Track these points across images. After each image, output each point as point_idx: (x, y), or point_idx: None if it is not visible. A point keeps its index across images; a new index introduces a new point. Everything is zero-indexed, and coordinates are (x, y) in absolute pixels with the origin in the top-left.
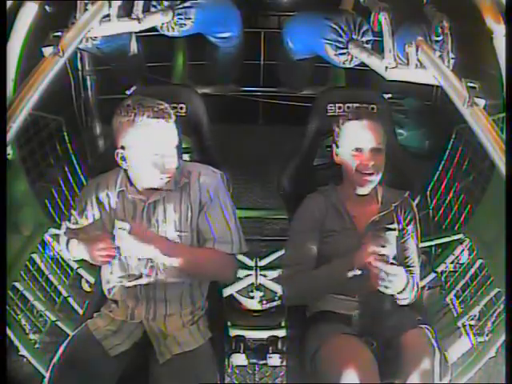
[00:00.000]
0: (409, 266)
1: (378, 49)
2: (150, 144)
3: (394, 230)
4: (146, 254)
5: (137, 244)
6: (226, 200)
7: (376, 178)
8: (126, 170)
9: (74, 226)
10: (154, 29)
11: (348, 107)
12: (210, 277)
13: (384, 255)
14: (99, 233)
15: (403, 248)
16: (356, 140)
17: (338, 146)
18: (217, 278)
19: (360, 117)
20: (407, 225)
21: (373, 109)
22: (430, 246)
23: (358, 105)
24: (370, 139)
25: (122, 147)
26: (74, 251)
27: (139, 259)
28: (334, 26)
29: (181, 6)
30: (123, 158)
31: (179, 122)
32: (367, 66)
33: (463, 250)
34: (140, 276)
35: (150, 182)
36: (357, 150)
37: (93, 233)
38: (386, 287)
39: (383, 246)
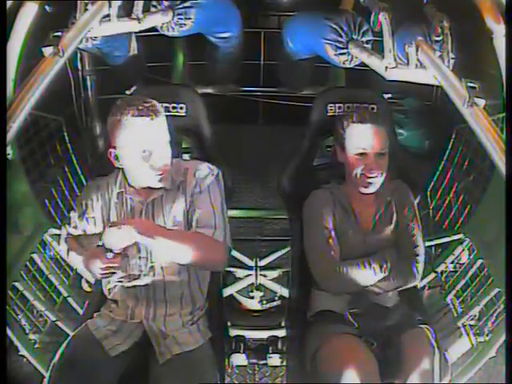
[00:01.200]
0: (415, 252)
1: (378, 49)
2: (136, 142)
3: (396, 222)
4: (125, 237)
5: (116, 230)
6: (216, 194)
7: (380, 180)
8: (124, 172)
9: (73, 231)
10: (154, 29)
11: (348, 107)
12: (195, 261)
13: None
14: (98, 248)
15: (408, 236)
16: (361, 145)
17: (341, 148)
18: (203, 264)
19: (365, 120)
20: (406, 213)
21: (373, 109)
22: (430, 246)
23: (358, 105)
24: (374, 144)
25: (114, 147)
26: (74, 263)
27: (139, 258)
28: (334, 26)
29: (181, 6)
30: (116, 157)
31: (179, 121)
32: (367, 66)
33: (463, 249)
34: (140, 276)
35: (145, 181)
36: (361, 154)
37: (92, 246)
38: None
39: None
